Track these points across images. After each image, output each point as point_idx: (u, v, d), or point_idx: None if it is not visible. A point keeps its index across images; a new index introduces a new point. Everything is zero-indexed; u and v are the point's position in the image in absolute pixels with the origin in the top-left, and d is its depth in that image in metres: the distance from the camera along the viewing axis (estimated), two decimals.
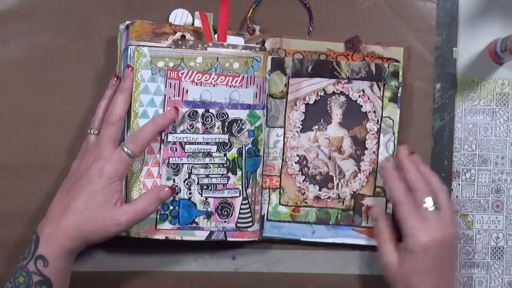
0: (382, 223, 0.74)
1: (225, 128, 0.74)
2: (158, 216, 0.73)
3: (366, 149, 0.78)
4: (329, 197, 0.78)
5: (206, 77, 0.73)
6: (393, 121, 0.77)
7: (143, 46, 0.72)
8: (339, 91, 0.78)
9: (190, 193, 0.74)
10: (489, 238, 0.82)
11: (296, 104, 0.78)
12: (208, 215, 0.74)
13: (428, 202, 0.70)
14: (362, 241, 0.78)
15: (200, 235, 0.74)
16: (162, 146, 0.73)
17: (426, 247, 0.69)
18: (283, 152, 0.78)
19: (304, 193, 0.78)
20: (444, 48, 0.81)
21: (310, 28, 0.80)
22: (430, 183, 0.73)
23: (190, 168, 0.73)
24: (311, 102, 0.78)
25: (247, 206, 0.75)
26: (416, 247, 0.69)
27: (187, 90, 0.73)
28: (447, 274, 0.71)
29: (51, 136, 0.77)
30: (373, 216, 0.76)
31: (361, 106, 0.78)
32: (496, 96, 0.82)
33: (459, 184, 0.82)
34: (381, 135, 0.78)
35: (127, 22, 0.74)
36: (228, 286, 0.80)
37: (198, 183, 0.74)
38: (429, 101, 0.81)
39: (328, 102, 0.78)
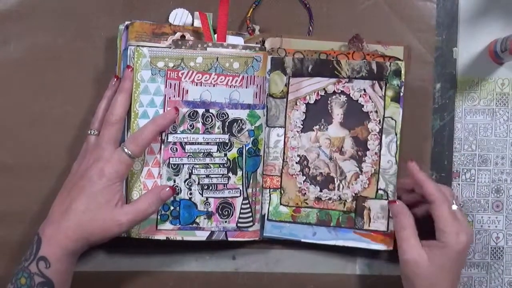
0: (405, 218, 0.73)
1: (225, 128, 0.74)
2: (158, 217, 0.73)
3: (368, 150, 0.77)
4: (330, 199, 0.78)
5: (206, 77, 0.73)
6: (395, 121, 0.77)
7: (143, 46, 0.72)
8: (339, 91, 0.77)
9: (190, 193, 0.74)
10: (489, 238, 0.82)
11: (296, 104, 0.78)
12: (209, 215, 0.74)
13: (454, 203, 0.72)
14: (363, 244, 0.77)
15: (200, 235, 0.74)
16: (162, 146, 0.73)
17: (464, 247, 0.69)
18: (284, 152, 0.78)
19: (305, 193, 0.78)
20: (444, 48, 0.81)
21: (310, 28, 0.80)
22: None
23: (191, 168, 0.73)
24: (312, 101, 0.77)
25: (248, 206, 0.75)
26: (459, 246, 0.69)
27: (187, 90, 0.73)
28: (459, 273, 0.73)
29: (51, 136, 0.77)
30: (395, 210, 0.74)
31: (362, 106, 0.77)
32: (496, 96, 0.82)
33: (459, 184, 0.82)
34: (383, 136, 0.77)
35: (126, 23, 0.74)
36: (228, 286, 0.80)
37: (198, 183, 0.74)
38: (429, 101, 0.81)
39: (328, 101, 0.77)
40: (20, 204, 0.76)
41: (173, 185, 0.73)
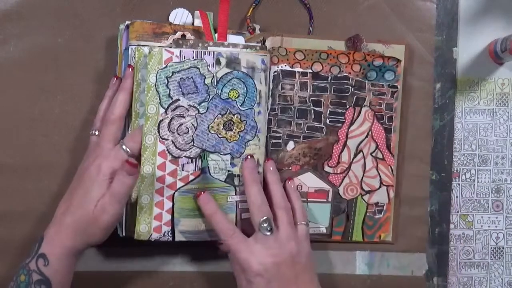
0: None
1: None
2: None
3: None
4: None
5: None
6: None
7: (143, 46, 0.72)
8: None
9: None
10: (489, 238, 0.82)
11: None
12: None
13: (265, 226, 0.68)
14: None
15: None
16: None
17: (260, 272, 0.66)
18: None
19: None
20: (444, 48, 0.81)
21: (311, 28, 0.80)
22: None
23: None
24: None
25: None
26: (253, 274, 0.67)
27: None
28: None
29: (51, 136, 0.77)
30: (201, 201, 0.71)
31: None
32: (496, 96, 0.82)
33: (459, 184, 0.82)
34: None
35: (127, 22, 0.74)
36: (228, 286, 0.79)
37: None
38: (429, 101, 0.81)
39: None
40: (20, 204, 0.76)
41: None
